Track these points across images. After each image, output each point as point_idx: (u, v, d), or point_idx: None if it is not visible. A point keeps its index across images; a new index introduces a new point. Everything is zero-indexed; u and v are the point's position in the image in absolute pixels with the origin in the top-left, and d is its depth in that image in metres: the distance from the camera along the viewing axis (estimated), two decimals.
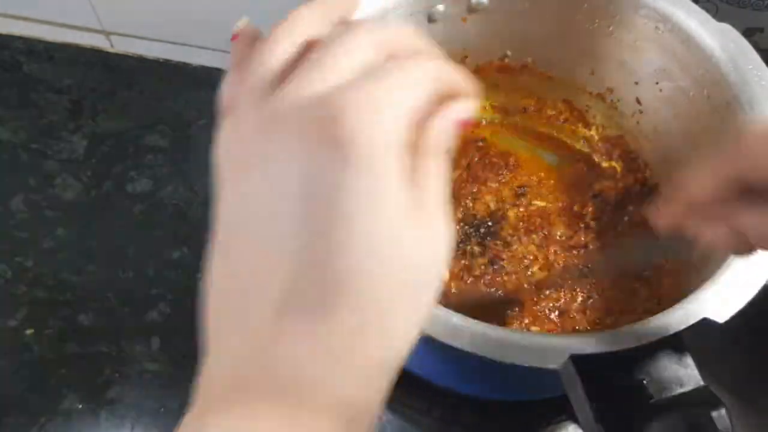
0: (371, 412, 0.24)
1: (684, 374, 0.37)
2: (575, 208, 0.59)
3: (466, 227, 0.58)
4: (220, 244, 0.24)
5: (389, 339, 0.24)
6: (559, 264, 0.57)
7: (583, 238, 0.58)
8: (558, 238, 0.58)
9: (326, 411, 0.22)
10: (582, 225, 0.58)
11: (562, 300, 0.54)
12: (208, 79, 0.80)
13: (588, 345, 0.36)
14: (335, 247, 0.22)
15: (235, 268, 0.23)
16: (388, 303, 0.23)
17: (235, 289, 0.23)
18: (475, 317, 0.38)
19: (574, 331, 0.53)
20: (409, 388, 0.57)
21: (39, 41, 0.85)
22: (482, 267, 0.56)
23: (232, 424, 0.21)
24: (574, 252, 0.57)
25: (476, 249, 0.57)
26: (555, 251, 0.57)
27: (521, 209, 0.60)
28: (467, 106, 0.25)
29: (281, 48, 0.23)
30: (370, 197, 0.22)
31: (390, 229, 0.22)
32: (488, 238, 0.58)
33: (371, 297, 0.22)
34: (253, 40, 0.25)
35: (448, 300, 0.54)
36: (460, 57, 0.60)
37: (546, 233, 0.58)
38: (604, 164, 0.62)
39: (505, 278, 0.56)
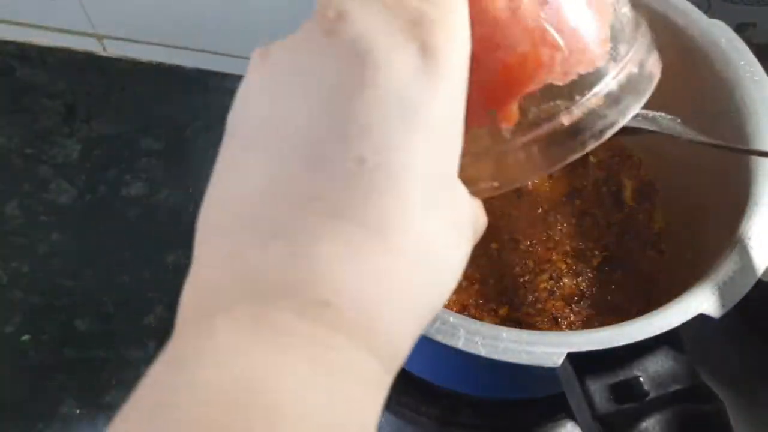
0: (400, 358, 0.22)
1: (681, 370, 0.37)
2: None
3: None
4: (229, 149, 0.22)
5: (428, 266, 0.21)
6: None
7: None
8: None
9: (355, 335, 0.20)
10: None
11: (558, 297, 0.54)
12: (202, 82, 0.79)
13: (585, 343, 0.36)
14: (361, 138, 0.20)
15: (245, 171, 0.21)
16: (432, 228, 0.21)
17: (240, 195, 0.21)
18: None
19: (571, 330, 0.53)
20: (407, 388, 0.57)
21: (31, 46, 0.85)
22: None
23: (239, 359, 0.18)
24: None
25: None
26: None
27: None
28: None
29: None
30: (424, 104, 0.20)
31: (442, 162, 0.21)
32: None
33: (416, 214, 0.21)
34: None
35: None
36: None
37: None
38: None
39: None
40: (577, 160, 0.63)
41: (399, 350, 0.22)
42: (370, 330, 0.20)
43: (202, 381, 0.17)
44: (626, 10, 0.31)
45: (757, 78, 0.47)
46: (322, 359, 0.19)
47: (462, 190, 0.23)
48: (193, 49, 0.81)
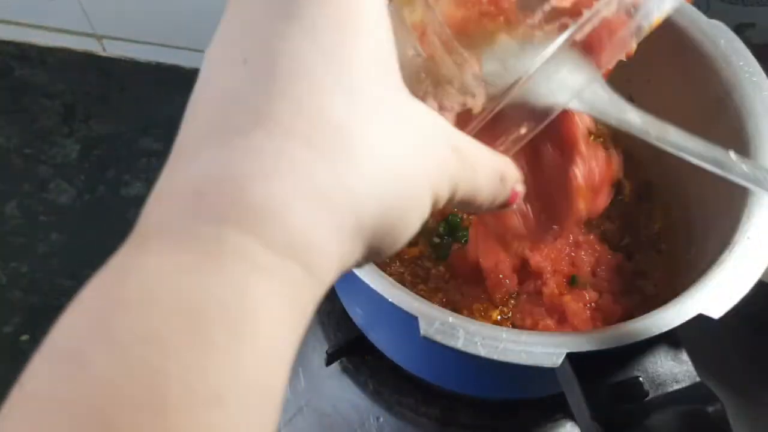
0: (334, 270, 0.21)
1: (679, 370, 0.37)
2: None
3: None
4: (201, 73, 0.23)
5: (347, 163, 0.20)
6: None
7: None
8: None
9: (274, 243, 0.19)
10: None
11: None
12: None
13: (584, 343, 0.36)
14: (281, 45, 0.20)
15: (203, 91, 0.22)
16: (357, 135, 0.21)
17: (199, 113, 0.22)
18: None
19: (570, 330, 0.53)
20: (406, 388, 0.57)
21: (31, 46, 0.85)
22: None
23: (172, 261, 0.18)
24: None
25: None
26: None
27: None
28: None
29: None
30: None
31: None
32: None
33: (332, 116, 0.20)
34: None
35: None
36: None
37: None
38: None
39: None
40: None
41: (309, 245, 0.20)
42: (258, 219, 0.19)
43: (96, 284, 0.19)
44: None
45: (755, 78, 0.47)
46: (201, 249, 0.18)
47: (412, 106, 0.23)
48: (192, 49, 0.81)
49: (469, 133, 0.27)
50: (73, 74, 0.83)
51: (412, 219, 0.23)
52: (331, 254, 0.20)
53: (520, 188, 0.30)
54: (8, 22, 0.84)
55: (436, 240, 0.56)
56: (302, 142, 0.20)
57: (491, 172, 0.27)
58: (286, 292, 0.19)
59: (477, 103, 0.27)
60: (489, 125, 0.28)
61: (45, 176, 0.75)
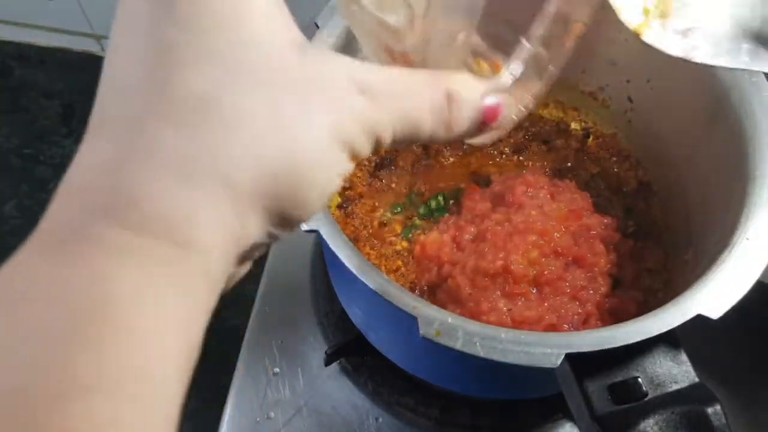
0: (231, 263, 0.21)
1: (678, 371, 0.37)
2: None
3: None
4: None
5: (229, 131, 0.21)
6: None
7: None
8: None
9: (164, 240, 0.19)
10: None
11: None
12: None
13: (583, 344, 0.36)
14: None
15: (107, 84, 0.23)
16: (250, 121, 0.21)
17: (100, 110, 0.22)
18: None
19: (570, 330, 0.53)
20: (406, 388, 0.57)
21: (30, 46, 0.85)
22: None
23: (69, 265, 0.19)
24: None
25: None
26: None
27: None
28: None
29: None
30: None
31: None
32: None
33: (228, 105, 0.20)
34: None
35: None
36: None
37: None
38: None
39: None
40: (575, 158, 0.62)
41: (180, 222, 0.20)
42: (123, 205, 0.19)
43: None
44: None
45: (755, 79, 0.47)
46: (68, 242, 0.19)
47: (303, 59, 0.22)
48: None
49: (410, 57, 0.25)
50: (72, 74, 0.83)
51: (320, 178, 0.22)
52: (211, 227, 0.20)
53: (494, 100, 0.25)
54: (8, 22, 0.84)
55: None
56: (168, 121, 0.20)
57: (429, 96, 0.24)
58: (157, 272, 0.19)
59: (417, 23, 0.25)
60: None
61: (44, 176, 0.75)
